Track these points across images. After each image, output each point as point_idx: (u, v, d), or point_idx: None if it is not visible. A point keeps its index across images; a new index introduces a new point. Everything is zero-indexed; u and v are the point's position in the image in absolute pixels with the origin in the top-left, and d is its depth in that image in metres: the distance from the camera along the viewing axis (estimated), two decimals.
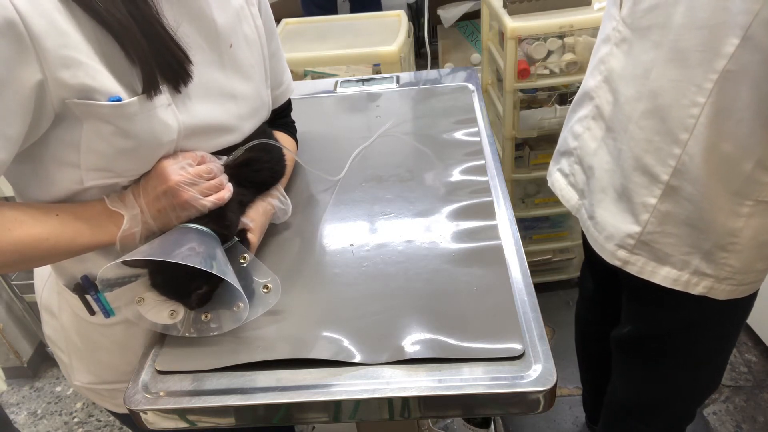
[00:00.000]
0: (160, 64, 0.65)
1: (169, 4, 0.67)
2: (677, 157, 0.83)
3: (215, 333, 0.72)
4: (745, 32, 0.71)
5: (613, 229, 0.95)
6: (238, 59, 0.77)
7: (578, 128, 1.04)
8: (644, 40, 0.85)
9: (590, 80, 1.00)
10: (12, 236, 0.62)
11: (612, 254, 0.96)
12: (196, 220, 0.72)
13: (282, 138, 0.95)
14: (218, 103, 0.75)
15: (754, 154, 0.78)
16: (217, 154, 0.76)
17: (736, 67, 0.74)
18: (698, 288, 0.89)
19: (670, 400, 1.13)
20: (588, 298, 1.36)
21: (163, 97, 0.66)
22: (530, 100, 1.73)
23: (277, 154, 0.87)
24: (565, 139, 1.10)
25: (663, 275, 0.91)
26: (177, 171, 0.69)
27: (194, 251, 0.67)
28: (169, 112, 0.67)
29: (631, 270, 0.94)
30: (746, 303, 0.96)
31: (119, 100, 0.62)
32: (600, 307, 1.31)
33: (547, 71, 1.59)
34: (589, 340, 1.43)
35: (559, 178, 1.12)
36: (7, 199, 1.64)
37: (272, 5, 0.90)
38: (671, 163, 0.84)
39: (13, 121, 0.59)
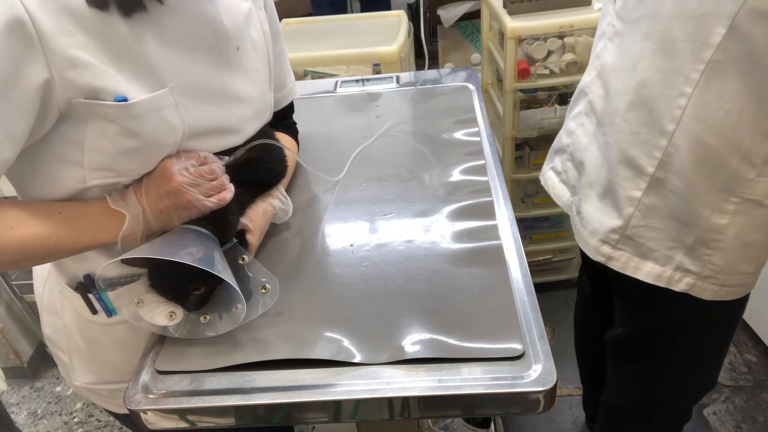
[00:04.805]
0: None
1: (179, 3, 0.67)
2: (663, 149, 0.82)
3: (213, 334, 0.72)
4: (732, 21, 0.71)
5: (597, 224, 0.94)
6: (245, 62, 0.77)
7: (572, 125, 1.04)
8: (635, 32, 0.85)
9: (586, 77, 1.00)
10: (14, 234, 0.62)
11: (596, 250, 0.95)
12: (195, 221, 0.72)
13: (283, 139, 0.95)
14: (223, 105, 0.75)
15: (739, 149, 0.77)
16: (219, 154, 0.76)
17: (722, 58, 0.74)
18: (680, 285, 0.88)
19: (663, 402, 1.12)
20: (586, 298, 1.36)
21: (169, 98, 0.66)
22: (530, 100, 1.73)
23: (279, 154, 0.87)
24: (559, 138, 1.10)
25: (646, 271, 0.90)
26: (180, 172, 0.69)
27: (193, 253, 0.67)
28: (174, 113, 0.67)
29: (615, 266, 0.93)
30: (735, 307, 0.95)
31: (125, 100, 0.62)
32: (597, 307, 1.31)
33: (547, 71, 1.59)
34: (587, 341, 1.43)
35: (551, 176, 1.12)
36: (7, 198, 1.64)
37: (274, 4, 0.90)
38: (657, 155, 0.83)
39: (18, 119, 0.59)
